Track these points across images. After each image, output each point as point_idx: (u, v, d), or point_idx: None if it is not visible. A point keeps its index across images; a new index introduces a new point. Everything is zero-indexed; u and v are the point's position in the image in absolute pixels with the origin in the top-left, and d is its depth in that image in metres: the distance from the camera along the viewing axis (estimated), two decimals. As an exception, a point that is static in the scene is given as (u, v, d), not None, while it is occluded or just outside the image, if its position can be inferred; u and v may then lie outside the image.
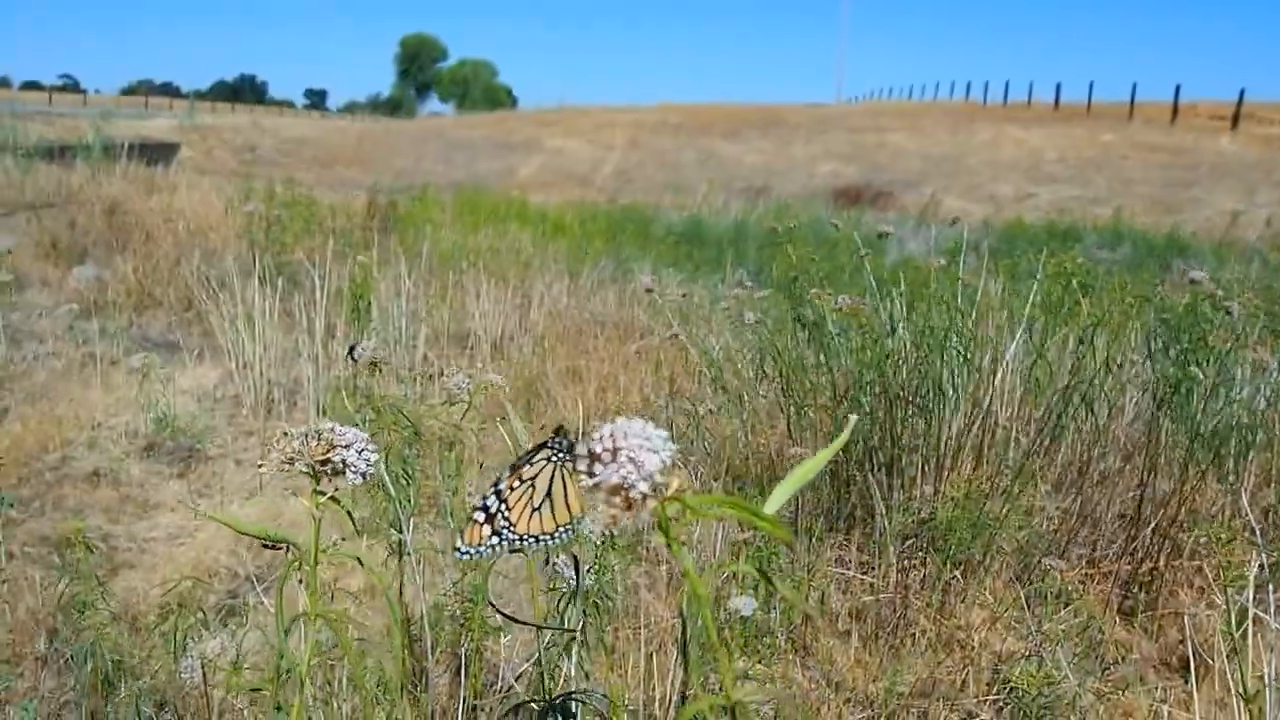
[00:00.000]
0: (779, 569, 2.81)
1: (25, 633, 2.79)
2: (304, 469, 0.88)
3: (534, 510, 0.83)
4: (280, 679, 1.18)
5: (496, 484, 0.84)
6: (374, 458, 0.91)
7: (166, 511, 3.81)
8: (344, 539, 3.42)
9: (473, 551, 0.85)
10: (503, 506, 0.84)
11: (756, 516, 0.60)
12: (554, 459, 0.83)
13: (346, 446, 0.88)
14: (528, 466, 0.83)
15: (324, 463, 0.88)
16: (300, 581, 1.25)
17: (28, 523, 3.57)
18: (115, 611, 2.98)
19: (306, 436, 0.88)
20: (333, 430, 0.89)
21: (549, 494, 0.82)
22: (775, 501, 0.65)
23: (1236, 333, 3.22)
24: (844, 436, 0.74)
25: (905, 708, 2.61)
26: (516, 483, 0.84)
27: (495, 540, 0.85)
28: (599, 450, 0.62)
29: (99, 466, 4.08)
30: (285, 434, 0.87)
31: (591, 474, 0.62)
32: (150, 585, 3.18)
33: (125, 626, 2.90)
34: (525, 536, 0.84)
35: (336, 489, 0.90)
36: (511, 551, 0.85)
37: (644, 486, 0.60)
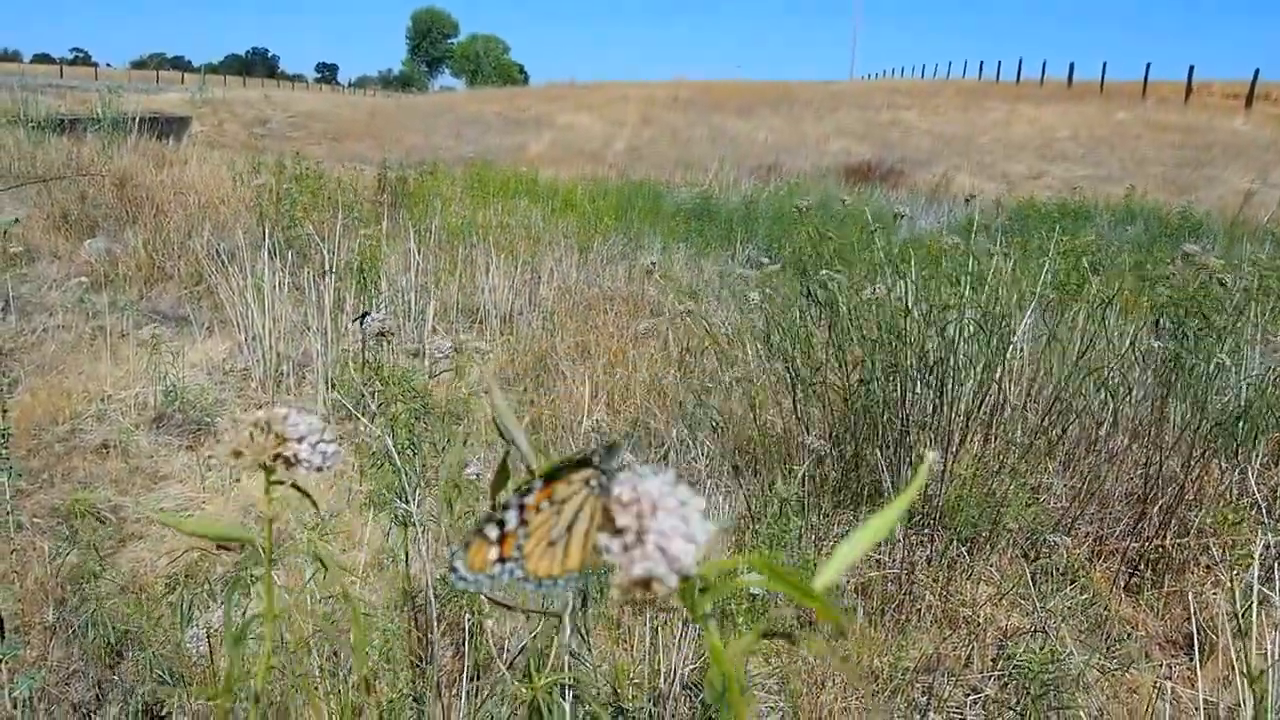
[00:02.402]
0: (787, 545, 2.81)
1: (34, 603, 2.81)
2: (252, 464, 0.81)
3: (550, 544, 0.68)
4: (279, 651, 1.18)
5: (522, 494, 0.68)
6: (330, 449, 0.82)
7: (175, 483, 3.83)
8: (331, 515, 3.40)
9: (471, 579, 0.68)
10: (522, 529, 0.68)
11: (803, 593, 0.50)
12: (593, 487, 0.66)
13: (299, 440, 0.81)
14: (563, 485, 0.67)
15: (275, 457, 0.82)
16: (253, 581, 1.20)
17: (37, 494, 3.58)
18: (123, 582, 2.99)
19: (255, 427, 0.82)
20: (284, 421, 0.81)
21: (570, 528, 0.67)
22: (827, 575, 0.53)
23: (1240, 310, 3.20)
24: (919, 480, 0.58)
25: (911, 682, 2.61)
26: (546, 502, 0.67)
27: (499, 569, 0.68)
28: (624, 524, 0.52)
29: (108, 438, 4.10)
30: (234, 421, 0.81)
31: (608, 550, 0.52)
32: (158, 556, 3.20)
33: (133, 597, 2.92)
34: (531, 577, 0.69)
35: (292, 481, 0.84)
36: (509, 588, 0.70)
37: (674, 583, 0.51)
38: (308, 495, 0.91)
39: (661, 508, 0.52)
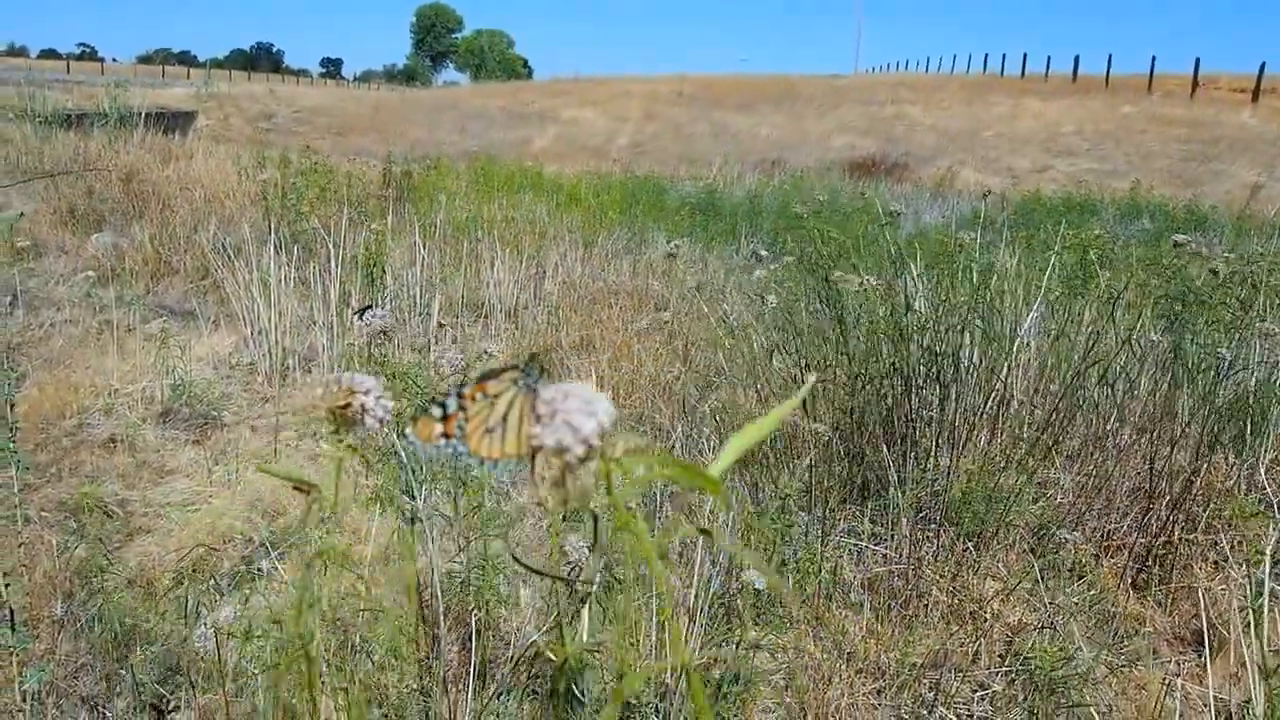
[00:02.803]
0: (792, 540, 2.80)
1: (42, 596, 2.81)
2: (325, 415, 0.90)
3: (487, 431, 0.80)
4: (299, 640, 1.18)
5: (460, 387, 0.80)
6: (390, 404, 0.92)
7: (182, 477, 3.83)
8: (340, 510, 3.42)
9: (418, 445, 0.81)
10: (462, 414, 0.80)
11: (686, 471, 0.62)
12: (520, 385, 0.80)
13: (366, 392, 0.90)
14: (494, 382, 0.80)
15: (344, 407, 0.90)
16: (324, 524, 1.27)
17: (45, 488, 3.59)
18: (131, 577, 3.00)
19: (327, 384, 0.90)
20: (351, 378, 0.91)
21: (504, 419, 0.79)
22: (721, 464, 0.65)
23: (1248, 304, 3.19)
24: (802, 393, 0.76)
25: (918, 678, 2.61)
26: (480, 395, 0.80)
27: (444, 443, 0.81)
28: (541, 412, 0.62)
29: (115, 432, 4.10)
30: (307, 383, 0.91)
31: (533, 435, 0.62)
32: (165, 551, 3.20)
33: (140, 591, 2.92)
34: (474, 456, 0.81)
35: (354, 438, 0.92)
36: (454, 461, 0.82)
37: (579, 450, 0.60)
38: (368, 460, 1.01)
39: (572, 395, 0.62)
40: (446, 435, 0.81)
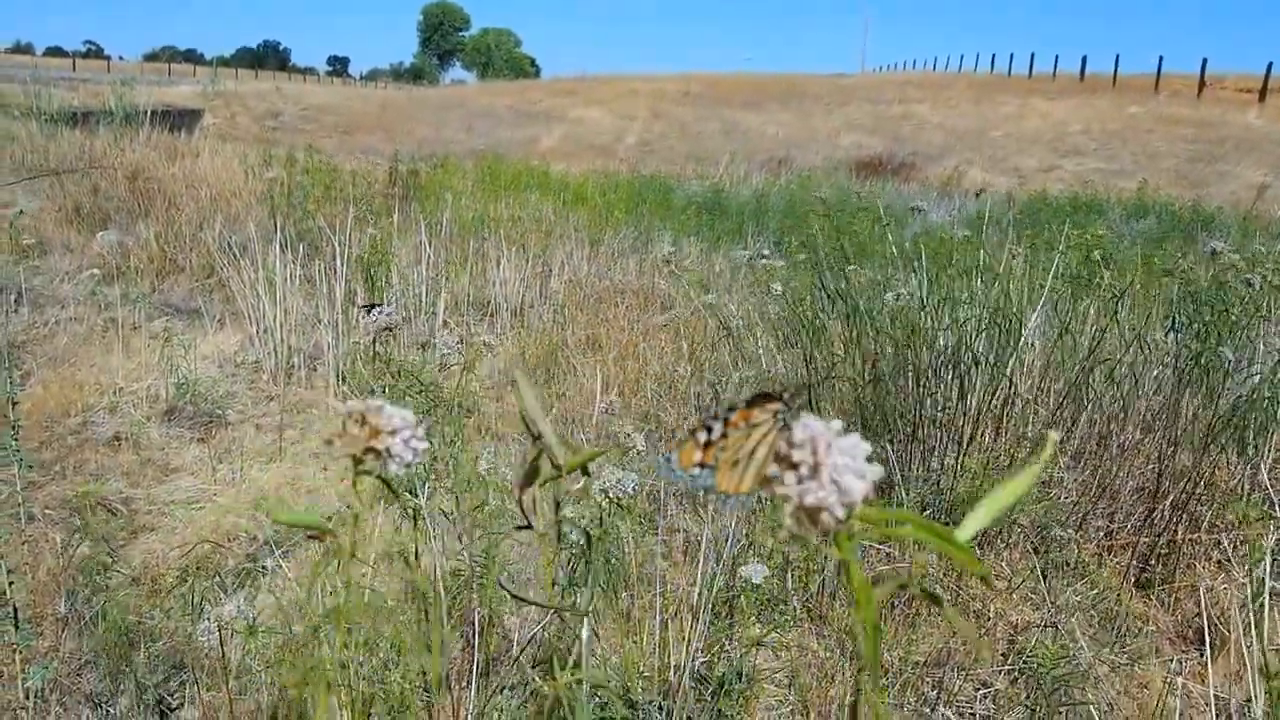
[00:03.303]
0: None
1: (46, 594, 2.82)
2: (344, 455, 0.82)
3: (734, 463, 0.75)
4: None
5: (729, 410, 0.75)
6: (422, 446, 0.85)
7: (187, 475, 3.84)
8: (348, 507, 3.43)
9: (678, 474, 0.77)
10: (722, 442, 0.75)
11: (949, 544, 0.56)
12: (779, 420, 0.74)
13: (393, 433, 0.82)
14: (759, 410, 0.75)
15: (367, 450, 0.82)
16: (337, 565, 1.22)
17: (49, 485, 3.60)
18: (135, 574, 3.01)
19: (349, 418, 0.82)
20: (379, 414, 0.83)
21: (752, 453, 0.74)
22: (971, 527, 0.58)
23: (1258, 306, 3.19)
24: (1046, 453, 0.66)
25: (921, 676, 2.61)
26: (743, 423, 0.75)
27: (698, 471, 0.77)
28: (797, 459, 0.57)
29: (120, 431, 4.11)
30: (329, 410, 0.83)
31: (782, 480, 0.57)
32: (169, 548, 3.21)
33: (145, 589, 2.93)
34: (715, 489, 0.76)
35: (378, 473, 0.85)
36: (703, 492, 0.79)
37: (841, 514, 0.56)
38: (393, 490, 0.93)
39: (835, 446, 0.57)
40: (703, 464, 0.77)
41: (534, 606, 2.69)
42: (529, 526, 1.04)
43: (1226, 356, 3.22)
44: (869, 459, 0.58)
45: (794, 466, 0.57)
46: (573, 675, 1.24)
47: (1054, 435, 0.69)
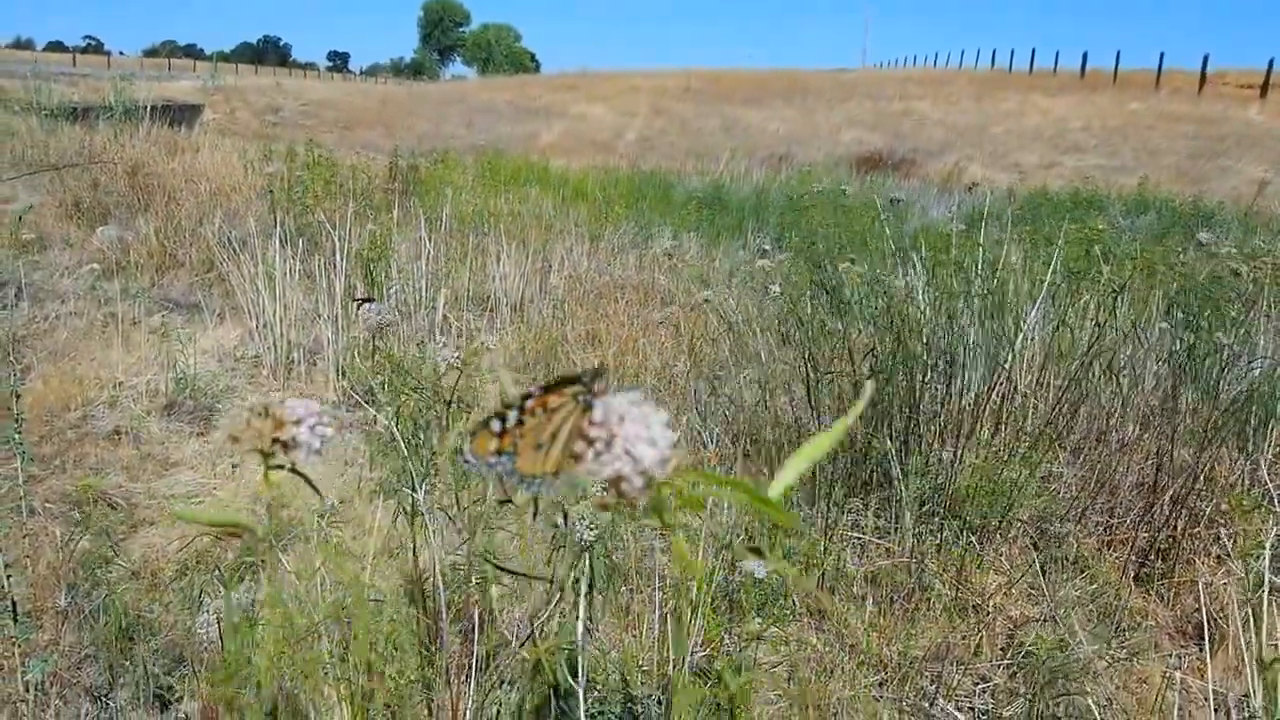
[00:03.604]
0: (796, 533, 2.80)
1: (46, 587, 2.82)
2: (251, 448, 0.84)
3: (537, 446, 0.76)
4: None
5: (524, 399, 0.77)
6: (329, 432, 0.86)
7: (186, 470, 3.84)
8: (341, 503, 3.42)
9: (474, 462, 0.78)
10: (518, 429, 0.77)
11: (758, 500, 0.58)
12: (580, 401, 0.75)
13: (297, 422, 0.84)
14: (556, 396, 0.76)
15: (273, 441, 0.84)
16: (263, 565, 1.22)
17: (49, 479, 3.60)
18: (134, 568, 3.01)
19: (251, 414, 0.85)
20: (282, 405, 0.84)
21: (554, 435, 0.76)
22: (781, 483, 0.61)
23: (1254, 300, 3.19)
24: (858, 408, 0.70)
25: (920, 671, 2.61)
26: (541, 410, 0.76)
27: (496, 460, 0.78)
28: (595, 435, 0.59)
29: (120, 425, 4.11)
30: (235, 407, 0.86)
31: (583, 458, 0.59)
32: (169, 542, 3.21)
33: (144, 583, 2.93)
34: (518, 473, 0.77)
35: (292, 463, 0.86)
36: (499, 476, 0.78)
37: (639, 482, 0.58)
38: (307, 480, 0.93)
39: (628, 418, 0.59)
40: (500, 451, 0.78)
41: (535, 601, 2.69)
42: (509, 501, 1.05)
43: (1221, 342, 3.22)
44: (667, 427, 0.60)
45: (591, 443, 0.59)
46: (554, 649, 1.24)
47: (870, 384, 0.72)
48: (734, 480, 0.60)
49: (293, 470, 0.89)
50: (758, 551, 0.68)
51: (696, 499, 0.61)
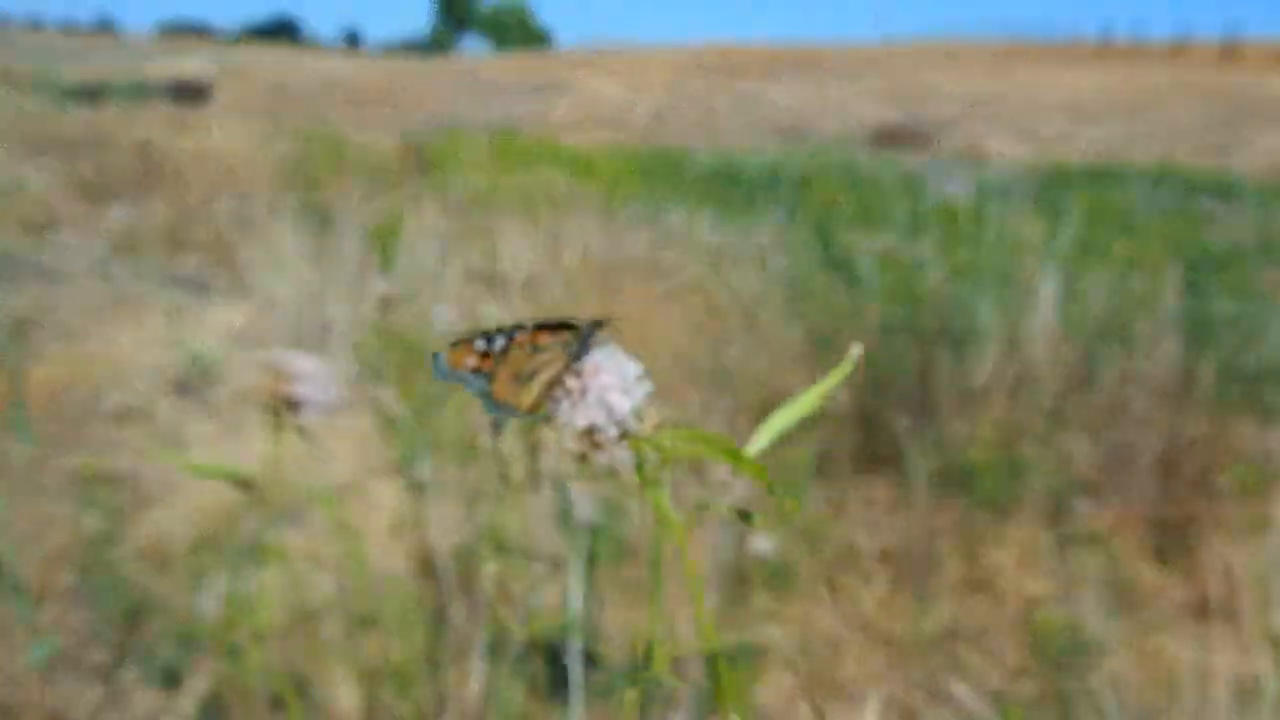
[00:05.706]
0: (801, 505, 2.78)
1: (53, 567, 2.81)
2: (258, 403, 0.82)
3: (515, 377, 0.76)
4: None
5: (515, 328, 0.77)
6: (335, 390, 0.85)
7: (195, 448, 3.83)
8: (351, 481, 3.40)
9: (445, 371, 0.78)
10: (502, 355, 0.77)
11: (733, 457, 0.57)
12: (568, 349, 0.75)
13: (302, 379, 0.84)
14: (548, 335, 0.76)
15: (282, 400, 0.82)
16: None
17: (56, 459, 3.59)
18: (142, 548, 3.00)
19: (260, 368, 0.83)
20: (288, 361, 0.83)
21: (535, 373, 0.75)
22: (760, 441, 0.61)
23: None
24: (843, 370, 0.70)
25: (932, 649, 2.59)
26: (529, 345, 0.76)
27: (471, 376, 0.77)
28: (572, 386, 0.60)
29: (129, 404, 4.10)
30: (241, 365, 0.83)
31: (559, 407, 0.60)
32: (176, 521, 3.20)
33: (152, 563, 2.92)
34: (493, 396, 0.77)
35: (299, 425, 0.84)
36: (470, 391, 0.78)
37: (614, 432, 0.59)
38: (311, 443, 0.92)
39: (603, 371, 0.61)
40: (477, 370, 0.78)
41: (535, 578, 2.68)
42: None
43: (1227, 310, 3.18)
44: (639, 379, 0.61)
45: (569, 393, 0.61)
46: (556, 626, 1.22)
47: (857, 347, 0.73)
48: (711, 436, 0.60)
49: (296, 429, 0.87)
50: (746, 516, 0.67)
51: (674, 452, 0.61)
